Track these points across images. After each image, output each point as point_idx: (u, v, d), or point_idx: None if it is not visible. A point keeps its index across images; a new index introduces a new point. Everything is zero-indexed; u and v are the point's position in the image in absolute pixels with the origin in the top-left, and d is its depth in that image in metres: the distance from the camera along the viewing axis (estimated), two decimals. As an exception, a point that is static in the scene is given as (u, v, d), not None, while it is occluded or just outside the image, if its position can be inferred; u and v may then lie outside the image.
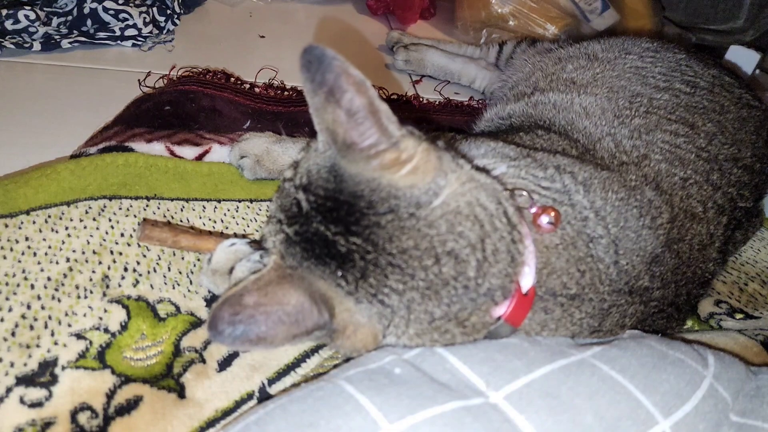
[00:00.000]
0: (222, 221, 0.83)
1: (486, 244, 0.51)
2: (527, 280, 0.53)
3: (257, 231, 0.83)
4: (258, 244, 0.68)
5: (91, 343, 0.61)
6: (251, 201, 0.88)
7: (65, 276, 0.67)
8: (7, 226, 0.71)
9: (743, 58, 1.47)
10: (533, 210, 0.56)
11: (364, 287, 0.49)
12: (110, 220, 0.77)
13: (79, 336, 0.61)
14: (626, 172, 0.68)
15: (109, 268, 0.70)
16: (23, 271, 0.66)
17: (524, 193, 0.58)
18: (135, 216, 0.78)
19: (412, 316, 0.50)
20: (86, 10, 1.27)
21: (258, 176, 0.92)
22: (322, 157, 0.53)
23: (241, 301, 0.46)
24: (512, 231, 0.53)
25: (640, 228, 0.62)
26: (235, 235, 0.80)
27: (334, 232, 0.50)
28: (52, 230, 0.73)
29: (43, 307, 0.63)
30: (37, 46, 1.20)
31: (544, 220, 0.55)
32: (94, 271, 0.69)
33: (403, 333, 0.52)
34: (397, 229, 0.49)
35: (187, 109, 1.05)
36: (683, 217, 0.68)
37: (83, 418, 0.54)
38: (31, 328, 0.61)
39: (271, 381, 0.61)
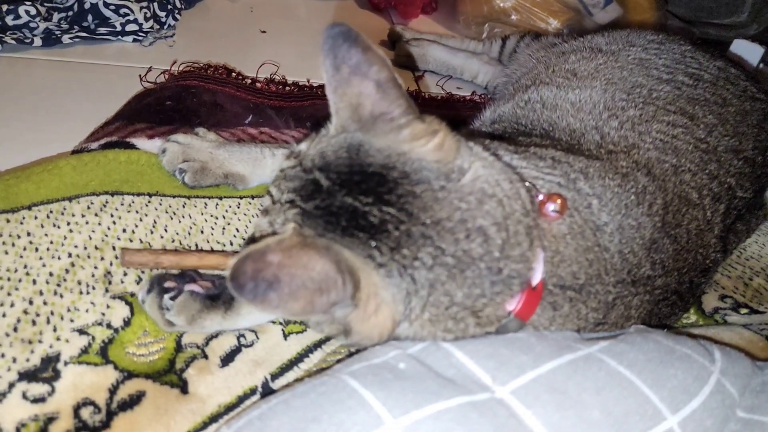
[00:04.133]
0: (224, 217, 0.82)
1: (509, 224, 0.51)
2: (536, 274, 0.52)
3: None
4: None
5: (93, 338, 0.60)
6: (252, 197, 0.88)
7: (67, 271, 0.67)
8: (8, 221, 0.71)
9: (747, 52, 1.46)
10: (539, 198, 0.55)
11: (397, 259, 0.48)
12: (112, 216, 0.76)
13: (81, 331, 0.61)
14: (616, 160, 0.68)
15: (111, 264, 0.69)
16: (25, 267, 0.66)
17: (527, 183, 0.57)
18: (137, 212, 0.78)
19: (432, 297, 0.49)
20: (87, 6, 1.27)
21: (199, 184, 0.85)
22: (336, 140, 0.52)
23: (264, 258, 0.42)
24: (527, 215, 0.53)
25: (640, 215, 0.62)
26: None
27: (365, 203, 0.49)
28: (54, 225, 0.72)
29: (45, 303, 0.63)
30: (37, 41, 1.20)
31: (550, 207, 0.55)
32: (96, 267, 0.69)
33: (416, 318, 0.50)
34: (432, 199, 0.49)
35: (189, 104, 1.05)
36: (678, 202, 0.67)
37: (86, 413, 0.53)
38: (34, 323, 0.60)
39: (274, 376, 0.61)
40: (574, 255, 0.56)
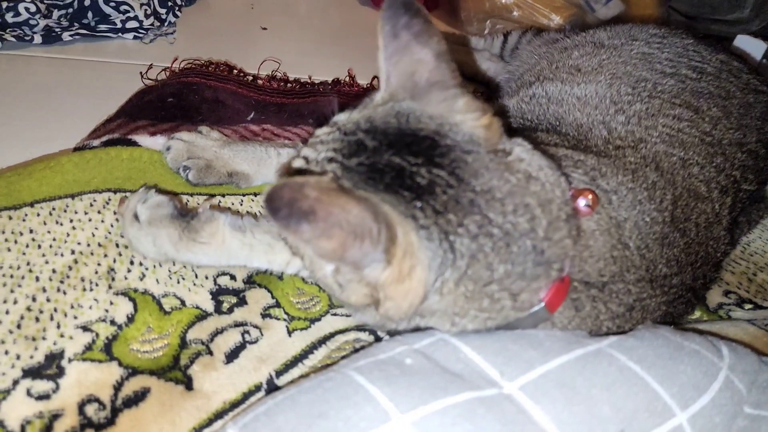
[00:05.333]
0: (227, 213, 0.82)
1: (552, 208, 0.50)
2: (567, 265, 0.52)
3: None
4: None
5: (97, 335, 0.60)
6: (255, 195, 0.87)
7: (70, 268, 0.67)
8: (11, 218, 0.71)
9: (750, 47, 1.46)
10: (570, 192, 0.54)
11: (440, 223, 0.47)
12: (115, 213, 0.76)
13: (85, 328, 0.61)
14: (624, 155, 0.67)
15: (114, 261, 0.69)
16: (28, 264, 0.66)
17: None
18: (139, 208, 0.78)
19: (471, 270, 0.47)
20: (87, 2, 1.26)
21: (203, 182, 0.84)
22: (383, 108, 0.52)
23: (302, 190, 0.40)
24: (567, 203, 0.52)
25: (652, 210, 0.62)
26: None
27: (413, 163, 0.48)
28: (57, 222, 0.72)
29: (48, 300, 0.62)
30: (38, 38, 1.19)
31: (582, 202, 0.54)
32: (99, 264, 0.68)
33: (449, 292, 0.48)
34: (483, 167, 0.49)
35: (191, 100, 1.05)
36: (687, 196, 0.67)
37: (91, 410, 0.53)
38: (37, 320, 0.60)
39: (279, 373, 0.61)
40: (601, 251, 0.56)
